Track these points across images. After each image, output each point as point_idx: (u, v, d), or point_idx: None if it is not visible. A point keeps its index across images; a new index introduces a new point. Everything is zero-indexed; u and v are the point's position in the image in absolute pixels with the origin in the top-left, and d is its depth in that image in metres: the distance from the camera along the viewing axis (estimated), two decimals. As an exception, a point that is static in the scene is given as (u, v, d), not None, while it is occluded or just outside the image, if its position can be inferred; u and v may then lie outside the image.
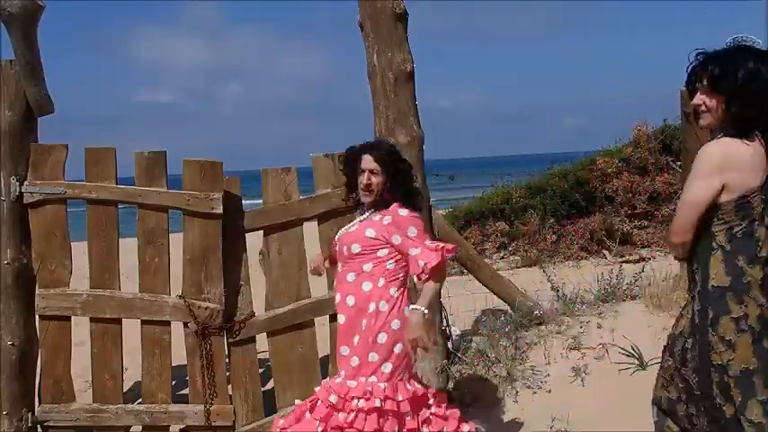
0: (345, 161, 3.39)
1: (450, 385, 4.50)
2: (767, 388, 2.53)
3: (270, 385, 4.44)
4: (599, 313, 4.90)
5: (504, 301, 5.08)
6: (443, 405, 3.30)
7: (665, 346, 2.86)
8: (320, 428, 3.13)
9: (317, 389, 3.30)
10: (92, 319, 4.14)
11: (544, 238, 9.31)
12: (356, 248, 3.19)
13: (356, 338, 3.18)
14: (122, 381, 4.24)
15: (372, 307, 3.15)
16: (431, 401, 3.26)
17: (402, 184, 3.26)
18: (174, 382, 4.33)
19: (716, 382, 2.58)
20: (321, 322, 4.25)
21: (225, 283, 4.14)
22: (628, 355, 4.44)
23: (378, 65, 4.44)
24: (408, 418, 3.15)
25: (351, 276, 3.22)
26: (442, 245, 3.15)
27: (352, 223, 3.37)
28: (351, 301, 3.21)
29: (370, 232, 3.18)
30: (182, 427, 4.21)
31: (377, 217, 3.24)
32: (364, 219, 3.29)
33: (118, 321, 4.14)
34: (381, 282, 3.17)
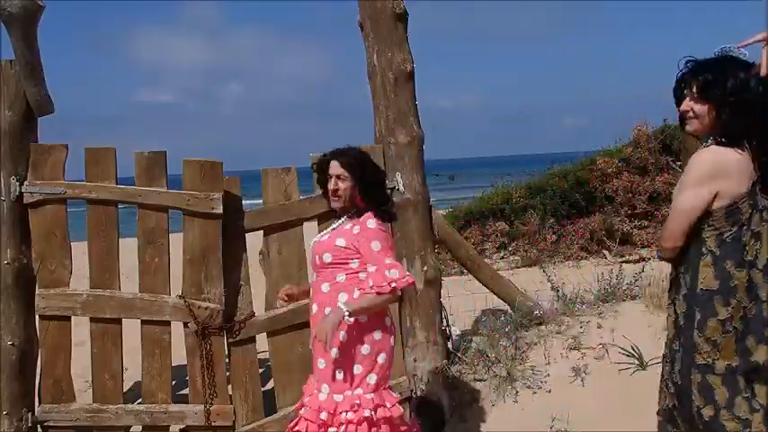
0: (318, 169, 3.37)
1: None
2: (749, 384, 2.57)
3: (270, 385, 4.44)
4: (599, 313, 4.90)
5: (504, 301, 5.07)
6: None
7: (663, 354, 2.88)
8: None
9: (302, 411, 3.22)
10: (92, 319, 4.14)
11: (544, 238, 9.31)
12: (328, 258, 3.17)
13: (334, 351, 3.13)
14: (122, 381, 4.24)
15: (351, 319, 3.13)
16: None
17: (371, 191, 3.21)
18: (174, 382, 4.34)
19: (697, 382, 2.61)
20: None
21: (225, 283, 4.14)
22: (628, 355, 4.44)
23: (378, 65, 4.45)
24: (399, 423, 3.19)
25: (325, 287, 3.20)
26: (395, 279, 3.04)
27: (325, 231, 3.36)
28: (329, 312, 3.16)
29: (341, 241, 3.16)
30: (182, 427, 4.21)
31: (348, 225, 3.22)
32: (337, 227, 3.27)
33: (118, 321, 4.14)
34: (357, 293, 3.14)
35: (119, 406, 4.15)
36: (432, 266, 4.48)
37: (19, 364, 4.08)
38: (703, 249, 2.62)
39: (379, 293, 3.04)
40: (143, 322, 4.14)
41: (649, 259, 8.14)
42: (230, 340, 4.18)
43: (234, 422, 4.17)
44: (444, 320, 4.68)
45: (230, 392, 4.25)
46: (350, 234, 3.17)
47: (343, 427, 3.07)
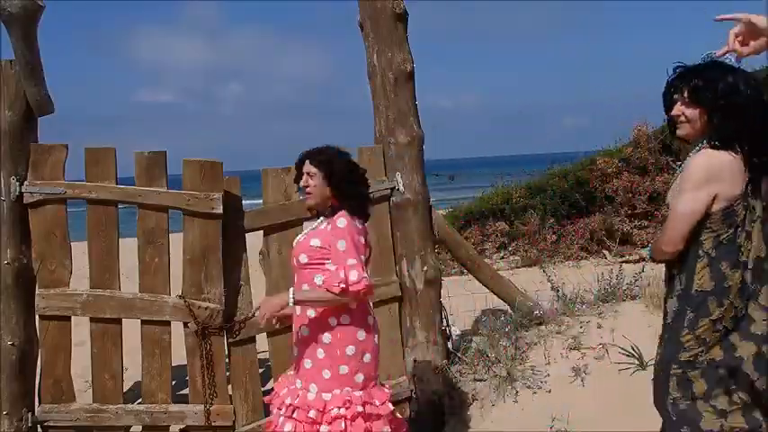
0: (295, 167, 3.35)
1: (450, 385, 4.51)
2: (732, 378, 2.62)
3: (270, 385, 4.44)
4: (599, 313, 4.90)
5: (504, 301, 5.07)
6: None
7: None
8: None
9: (295, 414, 3.15)
10: (92, 319, 4.14)
11: (544, 238, 9.31)
12: (304, 259, 3.15)
13: (320, 351, 3.13)
14: (122, 381, 4.24)
15: (333, 321, 3.12)
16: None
17: (342, 187, 3.17)
18: (174, 382, 4.34)
19: (676, 376, 2.67)
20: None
21: (225, 283, 4.15)
22: (628, 355, 4.44)
23: (378, 65, 4.45)
24: (389, 419, 3.19)
25: (305, 288, 3.18)
26: (348, 281, 2.99)
27: (304, 232, 3.35)
28: (312, 313, 3.16)
29: (315, 242, 3.14)
30: (182, 427, 4.21)
31: (324, 225, 3.21)
32: (314, 227, 3.26)
33: (118, 321, 4.14)
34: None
35: (119, 406, 4.15)
36: (432, 266, 4.48)
37: (19, 364, 4.08)
38: (700, 252, 2.67)
39: (328, 290, 3.02)
40: (143, 322, 4.14)
41: (649, 259, 8.14)
42: (230, 340, 4.18)
43: (234, 422, 4.17)
44: (444, 320, 4.68)
45: (230, 392, 4.25)
46: (324, 233, 3.16)
47: (339, 423, 3.06)
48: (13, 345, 4.06)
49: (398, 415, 3.41)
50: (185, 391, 4.35)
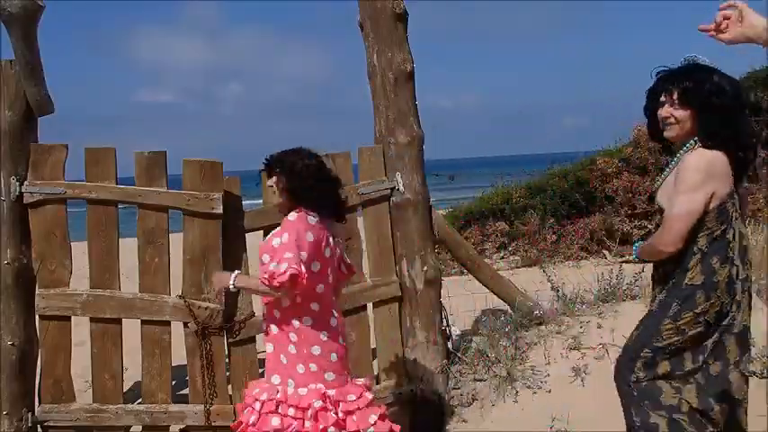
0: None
1: (451, 385, 4.51)
2: (699, 361, 2.75)
3: (270, 385, 4.43)
4: (599, 313, 4.90)
5: (504, 301, 5.07)
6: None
7: None
8: None
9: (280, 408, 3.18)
10: (92, 319, 4.14)
11: (544, 238, 9.30)
12: (266, 258, 3.14)
13: (291, 347, 3.18)
14: (122, 381, 4.24)
15: (296, 323, 3.16)
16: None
17: (297, 191, 3.17)
18: (174, 382, 4.34)
19: (645, 358, 2.78)
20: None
21: (225, 283, 4.14)
22: (628, 355, 4.44)
23: (378, 65, 4.45)
24: (370, 408, 3.23)
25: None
26: (274, 272, 3.01)
27: (271, 233, 3.33)
28: (277, 314, 3.20)
29: (276, 241, 3.14)
30: (182, 427, 4.21)
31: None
32: (280, 227, 3.25)
33: (118, 321, 4.14)
34: (299, 298, 3.16)
35: (119, 406, 4.15)
36: (432, 266, 4.48)
37: (19, 364, 4.08)
38: (695, 249, 2.74)
39: (261, 282, 3.09)
40: (143, 322, 4.14)
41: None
42: (230, 340, 4.18)
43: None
44: (444, 320, 4.68)
45: (230, 392, 4.25)
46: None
47: (324, 415, 3.09)
48: (13, 345, 4.06)
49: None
50: (185, 391, 4.35)
